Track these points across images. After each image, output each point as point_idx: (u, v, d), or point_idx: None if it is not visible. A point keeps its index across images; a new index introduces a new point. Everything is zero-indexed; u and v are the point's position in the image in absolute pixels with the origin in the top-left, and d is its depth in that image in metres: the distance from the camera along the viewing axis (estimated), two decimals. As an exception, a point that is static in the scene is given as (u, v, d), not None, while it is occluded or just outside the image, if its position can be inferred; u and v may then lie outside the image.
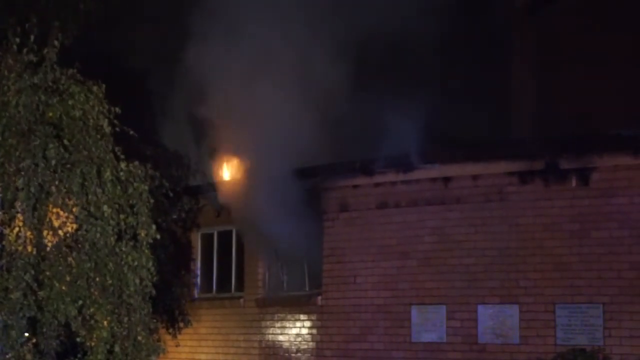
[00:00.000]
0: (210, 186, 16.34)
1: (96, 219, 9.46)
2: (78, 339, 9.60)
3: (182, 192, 16.49)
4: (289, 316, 15.25)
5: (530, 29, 17.43)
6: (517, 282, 12.95)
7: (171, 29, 14.85)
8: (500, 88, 16.86)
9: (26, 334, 9.51)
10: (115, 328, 9.58)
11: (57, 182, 9.37)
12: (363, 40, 14.36)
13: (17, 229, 9.33)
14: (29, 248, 9.35)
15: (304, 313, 14.98)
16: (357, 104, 14.43)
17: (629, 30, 15.83)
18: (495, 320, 13.01)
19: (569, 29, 16.75)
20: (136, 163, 9.80)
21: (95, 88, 9.67)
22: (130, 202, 9.70)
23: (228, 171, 16.17)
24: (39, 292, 9.36)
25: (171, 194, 11.60)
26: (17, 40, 9.57)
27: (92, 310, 9.49)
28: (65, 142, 9.44)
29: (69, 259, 9.50)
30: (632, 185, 12.41)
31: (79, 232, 9.50)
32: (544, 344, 12.63)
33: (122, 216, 9.61)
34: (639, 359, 12.02)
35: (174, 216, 16.50)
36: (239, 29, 14.53)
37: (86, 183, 9.44)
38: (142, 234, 9.71)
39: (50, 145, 9.33)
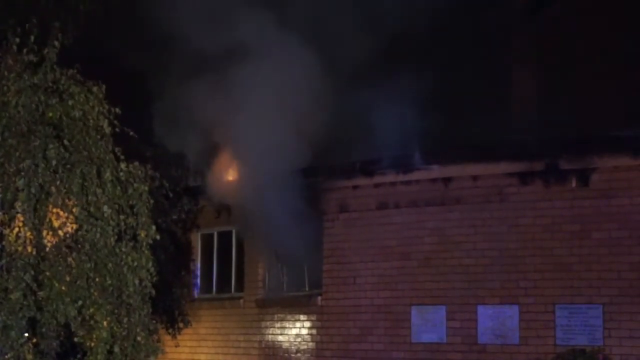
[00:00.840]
0: (210, 187, 16.31)
1: (96, 219, 9.46)
2: (77, 339, 9.61)
3: (182, 192, 16.48)
4: (289, 317, 15.24)
5: (530, 29, 17.41)
6: (517, 282, 12.95)
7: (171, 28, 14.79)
8: (500, 88, 16.83)
9: (26, 335, 9.50)
10: (114, 328, 9.58)
11: (57, 183, 9.36)
12: (363, 41, 14.35)
13: (17, 229, 9.33)
14: (29, 248, 9.34)
15: (304, 313, 14.97)
16: (357, 104, 14.40)
17: (629, 30, 15.82)
18: (495, 321, 13.01)
19: (569, 29, 16.74)
20: (136, 163, 9.81)
21: (95, 88, 9.67)
22: (130, 202, 9.70)
23: (228, 171, 16.14)
24: (39, 293, 9.35)
25: (171, 195, 11.59)
26: (17, 40, 9.58)
27: (91, 310, 9.49)
28: (65, 142, 9.44)
29: (69, 259, 9.50)
30: (632, 186, 12.41)
31: (79, 233, 9.50)
32: (544, 344, 12.63)
33: (122, 217, 9.61)
34: (639, 359, 12.03)
35: (174, 217, 16.47)
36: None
37: (86, 183, 9.44)
38: (142, 235, 9.72)
39: (50, 146, 9.32)
